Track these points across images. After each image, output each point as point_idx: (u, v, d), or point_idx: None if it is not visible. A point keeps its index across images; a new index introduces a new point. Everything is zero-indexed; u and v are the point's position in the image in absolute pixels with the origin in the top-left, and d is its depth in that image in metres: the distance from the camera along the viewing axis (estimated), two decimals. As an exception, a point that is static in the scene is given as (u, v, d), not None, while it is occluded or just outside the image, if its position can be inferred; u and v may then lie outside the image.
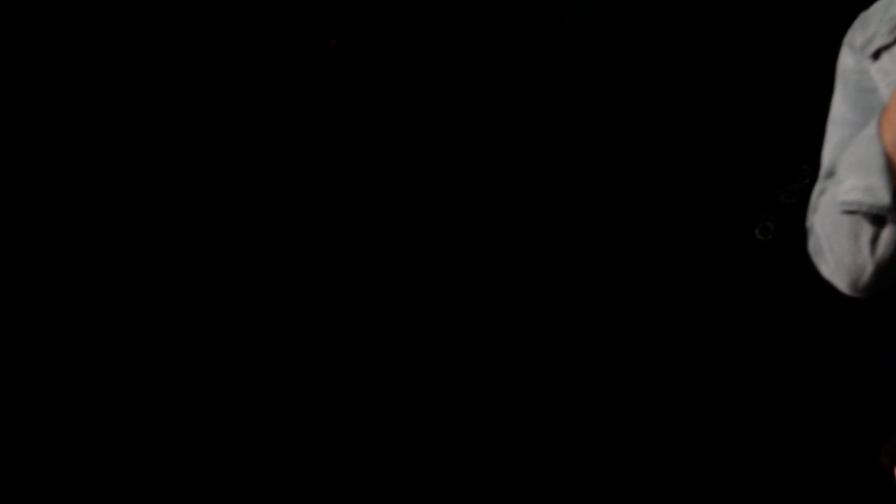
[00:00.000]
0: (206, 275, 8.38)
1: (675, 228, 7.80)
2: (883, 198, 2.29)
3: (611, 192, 8.04)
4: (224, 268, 8.42)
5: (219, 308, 8.53)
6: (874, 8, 2.69)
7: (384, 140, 8.00)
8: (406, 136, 8.00)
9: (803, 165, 4.23)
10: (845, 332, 7.23)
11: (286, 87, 7.78)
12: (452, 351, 8.18)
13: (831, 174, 2.51)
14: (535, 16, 7.72)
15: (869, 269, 2.38)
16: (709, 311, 7.75)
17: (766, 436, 7.54)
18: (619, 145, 7.85)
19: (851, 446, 7.04)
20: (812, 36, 6.85)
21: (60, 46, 7.24)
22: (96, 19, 7.12)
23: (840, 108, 2.64)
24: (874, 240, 2.35)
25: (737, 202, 7.58)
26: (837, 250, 2.41)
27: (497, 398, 8.09)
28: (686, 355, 7.79)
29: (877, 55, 2.62)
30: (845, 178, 2.41)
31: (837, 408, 7.29)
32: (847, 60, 2.70)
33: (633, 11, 7.44)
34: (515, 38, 7.79)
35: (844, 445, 7.21)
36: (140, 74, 7.51)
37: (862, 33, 2.70)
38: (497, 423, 8.01)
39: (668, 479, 7.93)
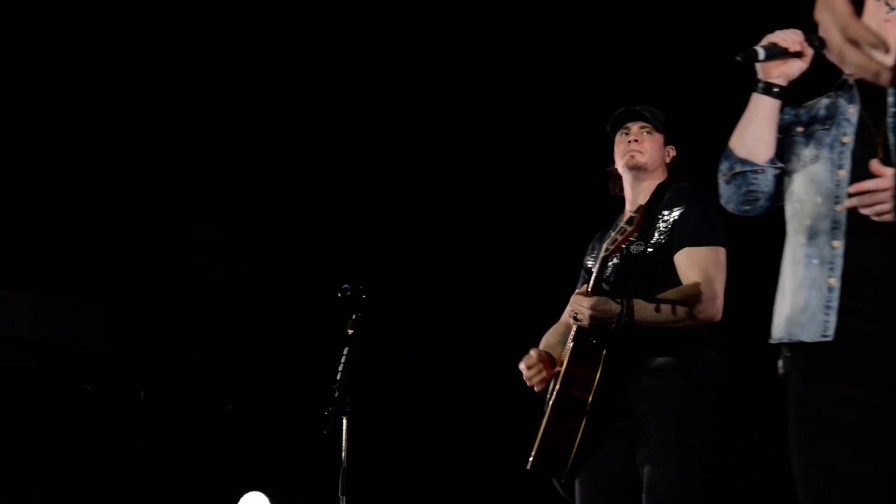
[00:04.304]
0: (205, 274, 8.45)
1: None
2: None
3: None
4: (222, 266, 8.49)
5: (212, 309, 8.57)
6: None
7: (384, 139, 8.03)
8: (406, 135, 8.02)
9: None
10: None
11: (286, 87, 7.88)
12: (450, 350, 8.07)
13: None
14: (535, 16, 7.75)
15: None
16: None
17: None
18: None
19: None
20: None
21: (63, 46, 7.46)
22: (98, 20, 7.33)
23: None
24: None
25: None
26: None
27: (494, 397, 7.92)
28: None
29: None
30: None
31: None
32: None
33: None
34: (515, 38, 7.82)
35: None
36: (140, 75, 7.69)
37: None
38: (494, 422, 7.84)
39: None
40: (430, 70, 7.89)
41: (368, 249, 7.66)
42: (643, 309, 3.77)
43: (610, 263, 4.02)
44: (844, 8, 1.70)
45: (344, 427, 4.23)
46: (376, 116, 8.03)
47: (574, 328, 3.89)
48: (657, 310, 3.77)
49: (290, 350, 8.12)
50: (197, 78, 7.71)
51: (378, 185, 8.18)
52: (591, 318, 3.74)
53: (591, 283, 3.86)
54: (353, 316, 4.39)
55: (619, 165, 4.22)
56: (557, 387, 3.89)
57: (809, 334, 2.94)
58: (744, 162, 3.12)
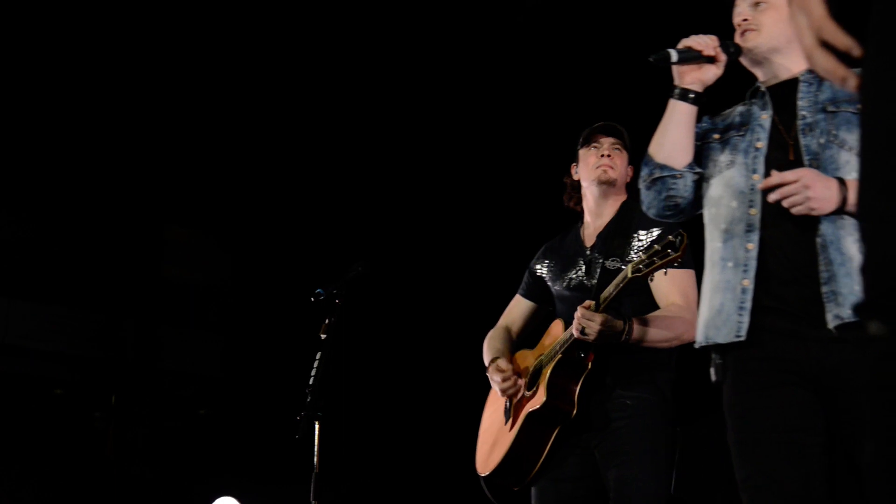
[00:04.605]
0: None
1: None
2: None
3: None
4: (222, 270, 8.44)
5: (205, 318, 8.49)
6: None
7: (358, 142, 8.00)
8: (380, 138, 7.98)
9: None
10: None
11: (256, 91, 7.81)
12: (427, 353, 8.04)
13: None
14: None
15: None
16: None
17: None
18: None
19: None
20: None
21: (34, 50, 7.39)
22: (62, 24, 7.27)
23: None
24: None
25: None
26: None
27: (473, 400, 7.88)
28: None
29: None
30: None
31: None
32: None
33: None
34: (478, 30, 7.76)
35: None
36: (115, 81, 7.63)
37: None
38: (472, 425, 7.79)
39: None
40: (408, 72, 7.83)
41: (344, 252, 7.62)
42: (640, 328, 3.85)
43: (572, 277, 4.17)
44: (819, 10, 1.70)
45: (316, 432, 4.21)
46: (350, 118, 7.99)
47: (567, 340, 3.94)
48: (651, 330, 3.87)
49: (263, 354, 8.09)
50: (169, 83, 7.67)
51: (352, 187, 8.14)
52: (600, 333, 3.78)
53: (604, 298, 3.84)
54: (327, 320, 4.37)
55: (589, 178, 4.24)
56: (545, 399, 3.93)
57: (724, 336, 3.02)
58: (663, 167, 3.20)
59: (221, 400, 8.27)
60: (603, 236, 4.17)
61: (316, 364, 4.32)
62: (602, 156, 4.17)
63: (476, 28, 7.36)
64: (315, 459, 4.21)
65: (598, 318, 3.76)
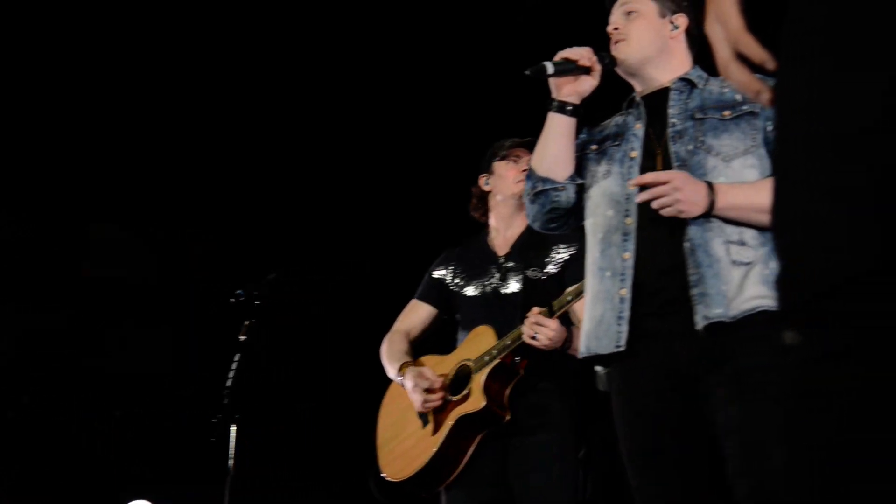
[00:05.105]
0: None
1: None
2: None
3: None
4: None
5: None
6: None
7: (285, 133, 7.96)
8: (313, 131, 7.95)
9: None
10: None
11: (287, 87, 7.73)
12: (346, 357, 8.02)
13: None
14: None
15: None
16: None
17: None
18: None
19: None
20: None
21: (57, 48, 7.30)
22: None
23: None
24: None
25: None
26: None
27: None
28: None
29: None
30: None
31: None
32: None
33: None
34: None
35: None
36: (38, 70, 7.54)
37: None
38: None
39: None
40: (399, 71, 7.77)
41: (267, 253, 7.57)
42: (576, 336, 3.88)
43: (486, 284, 4.28)
44: (737, 22, 1.72)
45: (232, 434, 4.19)
46: (315, 117, 7.92)
47: (508, 345, 4.01)
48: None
49: (181, 355, 8.01)
50: (92, 73, 7.57)
51: (281, 187, 8.09)
52: (551, 340, 3.85)
53: (560, 305, 3.91)
54: (246, 322, 4.34)
55: (508, 192, 4.35)
56: (484, 403, 3.98)
57: (605, 346, 3.05)
58: (545, 180, 3.25)
59: (137, 400, 8.17)
60: (518, 246, 4.30)
61: (234, 366, 4.29)
62: (523, 170, 4.23)
63: (476, 28, 7.37)
64: (230, 462, 4.19)
65: (552, 324, 3.83)
